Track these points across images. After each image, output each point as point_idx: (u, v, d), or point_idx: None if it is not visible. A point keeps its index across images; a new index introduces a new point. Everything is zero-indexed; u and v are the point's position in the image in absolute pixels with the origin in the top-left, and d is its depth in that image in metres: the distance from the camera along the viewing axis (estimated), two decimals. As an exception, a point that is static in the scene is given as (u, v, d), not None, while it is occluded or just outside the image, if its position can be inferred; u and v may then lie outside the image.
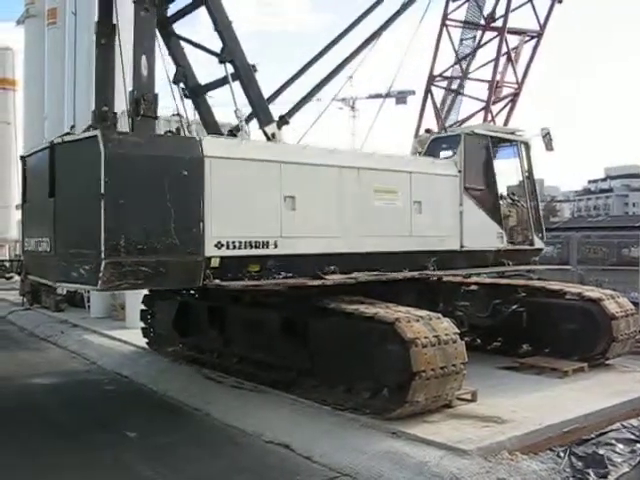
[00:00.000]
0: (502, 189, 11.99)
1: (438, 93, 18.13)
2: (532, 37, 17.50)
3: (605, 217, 62.64)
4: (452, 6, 17.65)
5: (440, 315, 8.25)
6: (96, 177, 7.22)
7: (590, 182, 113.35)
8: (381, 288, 9.50)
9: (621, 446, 7.26)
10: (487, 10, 17.55)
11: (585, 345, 10.49)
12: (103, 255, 7.17)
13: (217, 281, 8.02)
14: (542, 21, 17.28)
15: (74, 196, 7.81)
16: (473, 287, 11.52)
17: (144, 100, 8.22)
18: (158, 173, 7.59)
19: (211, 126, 10.37)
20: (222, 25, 9.58)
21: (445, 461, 6.55)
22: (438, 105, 17.89)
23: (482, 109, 17.25)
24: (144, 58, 8.34)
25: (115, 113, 9.57)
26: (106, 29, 9.71)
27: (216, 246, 7.96)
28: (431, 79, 17.92)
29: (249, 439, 7.80)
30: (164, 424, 8.46)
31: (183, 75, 10.30)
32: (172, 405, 9.41)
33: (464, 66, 17.90)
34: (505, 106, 17.70)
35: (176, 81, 10.24)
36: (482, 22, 17.64)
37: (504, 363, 10.66)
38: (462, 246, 10.67)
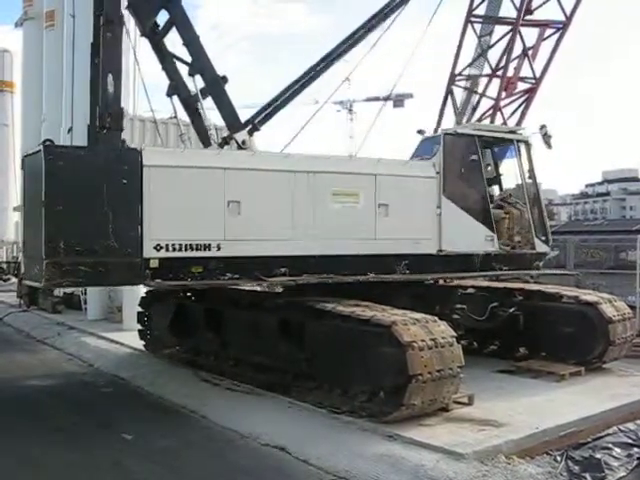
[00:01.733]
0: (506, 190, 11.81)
1: (457, 93, 17.45)
2: (558, 29, 16.39)
3: (602, 221, 62.74)
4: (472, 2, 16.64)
5: (437, 318, 8.25)
6: (40, 187, 8.09)
7: (587, 186, 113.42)
8: (377, 291, 9.54)
9: (618, 450, 7.26)
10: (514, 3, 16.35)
11: (582, 349, 10.49)
12: (44, 256, 7.98)
13: (158, 281, 8.54)
14: (569, 10, 16.02)
15: (32, 204, 8.69)
16: (470, 290, 11.51)
17: (109, 115, 9.07)
18: (97, 182, 8.22)
19: (202, 134, 10.87)
20: (190, 41, 10.34)
21: (441, 464, 6.55)
22: (458, 105, 17.15)
23: (491, 108, 16.51)
24: (110, 76, 9.16)
25: (121, 111, 9.59)
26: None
27: (155, 248, 8.42)
28: (452, 78, 17.12)
29: (245, 442, 7.79)
30: (161, 426, 8.45)
31: (175, 88, 10.85)
32: (169, 407, 9.40)
33: (483, 63, 17.10)
34: (521, 104, 16.80)
35: (169, 94, 10.95)
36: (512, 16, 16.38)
37: (501, 366, 10.67)
38: (440, 250, 10.34)
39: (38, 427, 8.52)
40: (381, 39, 11.70)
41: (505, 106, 16.82)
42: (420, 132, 11.40)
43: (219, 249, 8.79)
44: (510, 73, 16.49)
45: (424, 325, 7.89)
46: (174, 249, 8.55)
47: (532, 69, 16.56)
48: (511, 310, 11.00)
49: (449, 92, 17.08)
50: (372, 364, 7.95)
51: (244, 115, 10.86)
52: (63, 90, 19.19)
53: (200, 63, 10.34)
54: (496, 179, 11.82)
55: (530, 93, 16.64)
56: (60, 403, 9.97)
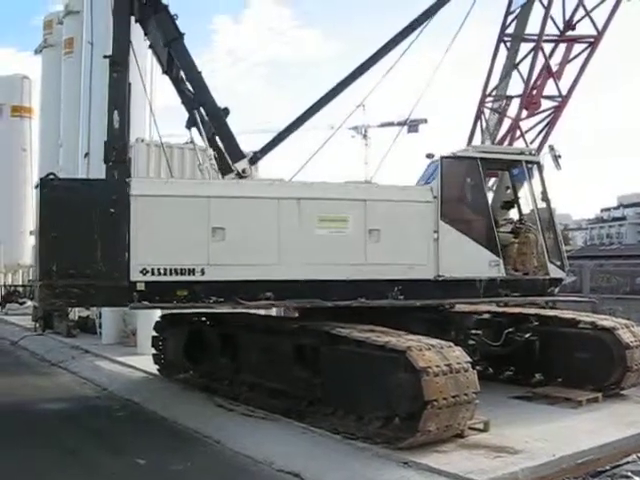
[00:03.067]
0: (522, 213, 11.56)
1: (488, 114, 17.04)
2: (589, 44, 15.76)
3: (618, 246, 62.39)
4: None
5: (452, 344, 8.20)
6: (38, 215, 9.22)
7: (603, 210, 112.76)
8: (392, 316, 9.52)
9: (637, 479, 7.17)
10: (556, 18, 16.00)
11: (599, 375, 10.37)
12: (38, 278, 9.06)
13: (145, 303, 9.17)
14: (600, 24, 15.35)
15: (36, 231, 9.76)
16: (485, 316, 11.43)
17: (114, 149, 9.95)
18: (88, 211, 9.06)
19: (231, 148, 11.03)
20: (191, 77, 11.06)
21: (457, 492, 6.48)
22: (491, 126, 16.69)
23: (511, 128, 16.01)
24: (116, 113, 10.07)
25: (125, 145, 10.37)
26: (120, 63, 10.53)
27: (141, 272, 9.03)
28: (483, 99, 16.79)
29: (259, 467, 7.73)
30: (174, 451, 8.41)
31: (194, 122, 11.23)
32: (182, 432, 9.36)
33: (508, 83, 16.63)
34: (546, 124, 16.22)
35: (188, 126, 11.31)
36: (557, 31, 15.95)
37: (517, 393, 10.56)
38: (439, 275, 10.19)
39: (49, 451, 8.51)
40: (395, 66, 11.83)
41: (532, 127, 16.33)
42: (429, 156, 11.26)
43: (203, 273, 9.23)
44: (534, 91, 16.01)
45: (439, 351, 7.85)
46: (159, 273, 9.11)
47: (557, 87, 16.01)
48: (527, 336, 10.90)
49: (479, 114, 16.71)
50: (387, 390, 7.90)
51: (258, 140, 11.13)
52: (80, 116, 19.46)
53: (201, 97, 11.03)
54: (513, 202, 11.65)
55: (555, 112, 16.07)
56: (73, 426, 9.97)
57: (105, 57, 10.57)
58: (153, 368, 12.85)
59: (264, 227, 9.61)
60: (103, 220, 9.03)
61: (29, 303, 26.15)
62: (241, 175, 10.68)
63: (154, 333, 12.82)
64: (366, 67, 11.72)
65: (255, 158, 11.14)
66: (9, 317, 25.80)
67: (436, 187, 10.31)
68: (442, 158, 10.61)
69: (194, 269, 9.21)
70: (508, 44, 16.35)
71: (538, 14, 16.23)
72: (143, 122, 12.69)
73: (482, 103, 16.73)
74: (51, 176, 9.68)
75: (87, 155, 18.33)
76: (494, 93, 16.81)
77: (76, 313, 19.75)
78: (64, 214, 9.07)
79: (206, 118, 11.20)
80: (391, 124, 69.54)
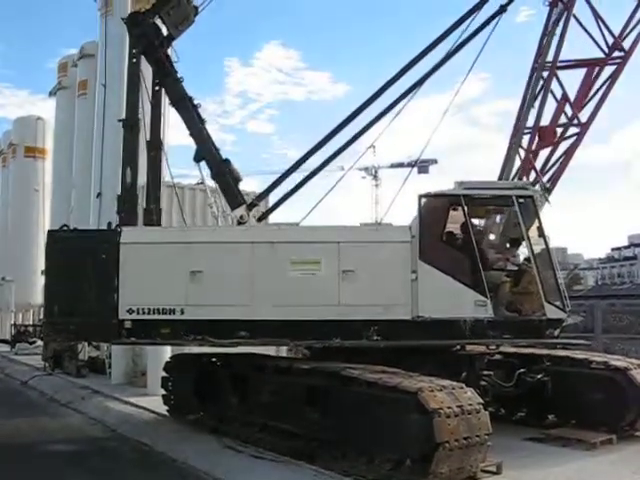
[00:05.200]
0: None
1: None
2: (616, 64, 14.71)
3: (630, 285, 61.97)
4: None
5: (463, 385, 8.16)
6: (45, 262, 10.97)
7: (613, 250, 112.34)
8: (403, 357, 9.51)
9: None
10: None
11: (613, 416, 10.25)
12: (43, 316, 10.63)
13: (132, 339, 10.48)
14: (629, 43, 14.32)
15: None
16: (497, 356, 11.33)
17: (126, 201, 11.33)
18: (83, 257, 10.41)
19: (229, 196, 11.68)
20: (194, 131, 11.83)
21: (470, 537, 6.38)
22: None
23: (523, 162, 14.97)
24: (129, 169, 11.40)
25: (135, 197, 11.64)
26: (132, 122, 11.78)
27: (128, 311, 10.15)
28: (515, 133, 15.71)
29: (269, 511, 7.66)
30: (183, 494, 8.35)
31: (202, 156, 11.98)
32: (192, 474, 9.27)
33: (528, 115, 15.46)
34: (562, 155, 15.19)
35: (197, 160, 11.98)
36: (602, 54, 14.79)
37: (529, 434, 10.44)
38: (418, 316, 10.00)
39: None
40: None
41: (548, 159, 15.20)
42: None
43: (182, 313, 10.11)
44: (546, 121, 15.11)
45: (451, 392, 7.80)
46: (144, 312, 10.15)
47: (575, 114, 15.02)
48: (539, 376, 10.79)
49: (510, 147, 15.70)
50: (398, 431, 7.84)
51: (267, 180, 11.49)
52: (93, 156, 19.72)
53: (204, 150, 11.78)
54: (519, 240, 11.10)
55: (573, 142, 15.09)
56: (83, 468, 9.88)
57: (119, 121, 11.84)
58: (163, 409, 12.77)
59: (239, 270, 10.24)
60: (97, 265, 10.35)
61: (39, 343, 26.26)
62: (239, 221, 11.33)
63: (164, 374, 12.77)
64: (363, 108, 11.94)
65: (252, 205, 11.63)
66: (19, 357, 25.86)
67: (415, 226, 10.23)
68: (420, 197, 10.45)
69: (174, 309, 10.11)
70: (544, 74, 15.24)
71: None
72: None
73: (514, 136, 15.72)
74: (64, 227, 11.44)
75: (99, 195, 18.56)
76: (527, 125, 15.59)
77: (86, 353, 19.77)
78: (65, 261, 10.54)
79: None
80: (401, 165, 70.31)
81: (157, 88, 12.21)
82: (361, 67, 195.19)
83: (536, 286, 10.22)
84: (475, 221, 11.02)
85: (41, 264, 28.82)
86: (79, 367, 18.96)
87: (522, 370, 10.81)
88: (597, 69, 15.09)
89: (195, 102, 12.40)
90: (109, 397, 15.34)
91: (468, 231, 10.36)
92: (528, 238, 10.47)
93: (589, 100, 15.06)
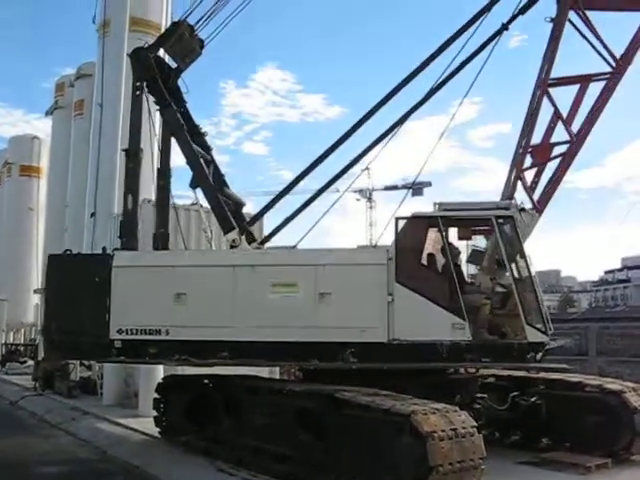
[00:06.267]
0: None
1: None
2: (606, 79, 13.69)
3: (624, 307, 62.05)
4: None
5: (457, 408, 8.11)
6: (45, 284, 12.07)
7: (607, 272, 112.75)
8: (396, 380, 9.46)
9: None
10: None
11: (608, 439, 10.17)
12: (41, 335, 11.63)
13: (122, 357, 11.01)
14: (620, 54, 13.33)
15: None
16: (490, 379, 11.29)
17: (128, 227, 11.87)
18: (80, 280, 11.16)
19: (222, 221, 11.92)
20: (191, 162, 12.07)
21: None
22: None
23: (515, 179, 13.90)
24: (130, 196, 11.98)
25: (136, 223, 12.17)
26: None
27: (118, 332, 10.70)
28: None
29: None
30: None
31: (197, 184, 12.23)
32: (183, 497, 9.19)
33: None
34: (555, 173, 14.08)
35: (193, 187, 12.27)
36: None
37: (524, 458, 10.33)
38: (394, 338, 9.95)
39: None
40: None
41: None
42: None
43: (167, 333, 10.55)
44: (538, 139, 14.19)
45: (444, 415, 7.75)
46: (132, 332, 10.67)
47: (568, 131, 14.18)
48: (533, 399, 10.75)
49: (511, 169, 14.56)
50: (392, 454, 7.79)
51: (262, 201, 11.59)
52: (88, 176, 19.72)
53: (198, 178, 12.07)
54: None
55: (566, 158, 14.15)
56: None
57: (122, 150, 12.55)
58: (154, 430, 12.65)
59: (221, 292, 10.58)
60: (91, 287, 10.98)
61: (30, 362, 26.12)
62: (232, 245, 11.56)
63: (156, 395, 12.68)
64: (354, 129, 12.05)
65: (243, 228, 11.90)
66: (9, 376, 25.68)
67: (392, 248, 10.23)
68: (397, 219, 10.43)
69: (160, 329, 10.56)
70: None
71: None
72: (151, 183, 13.04)
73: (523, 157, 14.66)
74: (67, 251, 12.57)
75: (93, 215, 18.53)
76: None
77: (77, 373, 19.63)
78: (63, 283, 11.34)
79: None
80: (395, 187, 70.48)
81: None
82: (356, 90, 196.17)
83: (516, 308, 9.99)
84: (461, 243, 10.95)
85: (34, 283, 28.84)
86: (70, 387, 18.80)
87: (516, 393, 10.79)
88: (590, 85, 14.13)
89: (202, 130, 13.03)
90: (100, 418, 15.20)
91: (445, 253, 10.32)
92: (507, 259, 10.22)
93: (588, 116, 14.61)
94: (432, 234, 10.57)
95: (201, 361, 10.67)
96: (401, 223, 10.38)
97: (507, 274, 10.43)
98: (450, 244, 10.48)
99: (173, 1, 20.86)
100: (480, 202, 10.97)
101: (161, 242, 12.12)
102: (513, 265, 10.30)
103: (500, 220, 10.24)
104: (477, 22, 11.87)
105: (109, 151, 18.21)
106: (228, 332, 10.41)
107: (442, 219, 10.31)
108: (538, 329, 9.93)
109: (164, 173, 12.55)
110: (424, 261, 10.56)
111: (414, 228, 10.47)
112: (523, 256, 10.32)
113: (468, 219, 10.71)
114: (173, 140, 12.34)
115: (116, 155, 17.83)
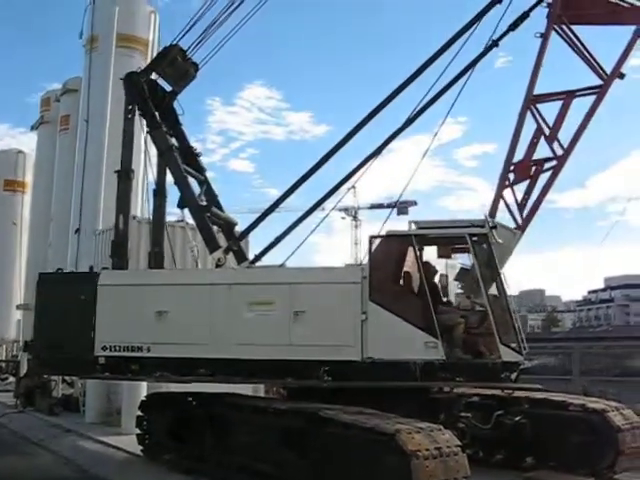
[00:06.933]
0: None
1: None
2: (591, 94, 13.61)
3: (607, 327, 62.48)
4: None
5: (441, 427, 8.11)
6: (35, 302, 12.17)
7: (590, 292, 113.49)
8: (380, 399, 9.47)
9: None
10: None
11: (591, 458, 10.19)
12: (23, 351, 11.93)
13: (106, 374, 11.42)
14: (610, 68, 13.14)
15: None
16: (474, 398, 11.28)
17: (119, 246, 12.25)
18: (67, 298, 11.46)
19: (208, 240, 12.12)
20: (178, 182, 12.34)
21: None
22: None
23: (497, 198, 13.99)
24: (121, 216, 12.38)
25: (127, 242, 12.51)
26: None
27: (102, 348, 10.96)
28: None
29: None
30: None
31: (184, 204, 12.59)
32: (165, 517, 9.10)
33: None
34: (543, 189, 14.02)
35: (180, 207, 12.64)
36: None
37: (508, 477, 10.35)
38: (367, 357, 9.93)
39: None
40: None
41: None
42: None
43: (149, 350, 10.75)
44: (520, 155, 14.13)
45: (429, 434, 7.75)
46: (116, 349, 10.91)
47: (551, 148, 14.05)
48: (517, 418, 10.75)
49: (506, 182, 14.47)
50: (376, 473, 7.76)
51: (248, 219, 11.74)
52: (73, 192, 19.63)
53: (185, 198, 12.33)
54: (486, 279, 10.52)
55: (551, 175, 14.06)
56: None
57: (115, 172, 12.80)
58: (137, 448, 12.53)
59: (200, 310, 10.77)
60: (78, 305, 11.24)
61: (11, 379, 25.80)
62: (217, 264, 11.75)
63: (139, 413, 12.57)
64: (339, 147, 12.18)
65: (228, 248, 12.13)
66: (-10, 394, 25.32)
67: (367, 267, 10.24)
68: (370, 237, 10.50)
69: (142, 346, 10.77)
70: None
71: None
72: (135, 198, 13.14)
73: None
74: (59, 270, 13.20)
75: (78, 231, 18.45)
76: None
77: (59, 391, 19.41)
78: (52, 300, 11.60)
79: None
80: (381, 206, 70.85)
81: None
82: (342, 108, 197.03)
83: (491, 327, 9.88)
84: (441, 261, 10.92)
85: (16, 299, 28.52)
86: (52, 405, 18.56)
87: (500, 412, 10.77)
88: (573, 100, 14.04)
89: (196, 151, 13.39)
90: (82, 436, 15.04)
91: (419, 271, 10.24)
92: (482, 277, 10.08)
93: (576, 133, 14.23)
94: (411, 252, 10.51)
95: (180, 378, 10.93)
96: (376, 242, 10.45)
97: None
98: (427, 262, 10.49)
99: (160, 17, 20.94)
100: (455, 220, 10.99)
101: (156, 261, 12.39)
102: (489, 283, 10.22)
103: (474, 238, 10.16)
104: (466, 35, 11.90)
105: (94, 167, 18.17)
106: (206, 349, 10.59)
107: (416, 237, 10.30)
108: (513, 349, 9.82)
109: (160, 193, 12.88)
110: (400, 279, 10.56)
111: (388, 246, 10.52)
112: (498, 274, 10.21)
113: (442, 237, 10.69)
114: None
115: (102, 171, 17.83)
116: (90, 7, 20.26)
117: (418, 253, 10.29)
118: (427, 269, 10.41)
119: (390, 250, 10.54)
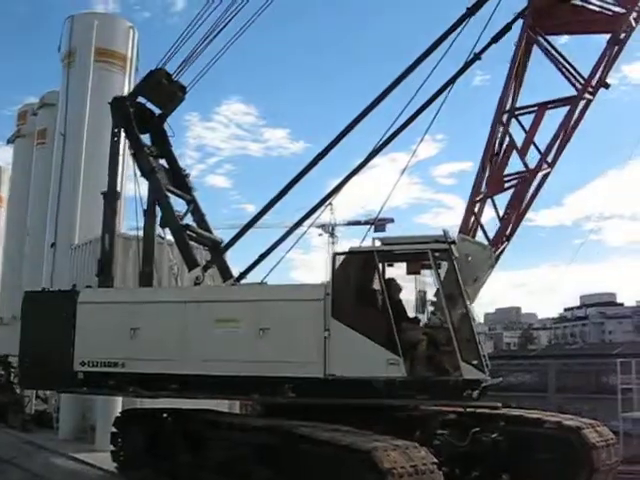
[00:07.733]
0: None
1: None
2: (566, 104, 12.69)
3: (582, 344, 62.94)
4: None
5: (417, 444, 8.10)
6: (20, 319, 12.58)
7: (566, 310, 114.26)
8: (357, 416, 9.43)
9: None
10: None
11: (566, 475, 10.20)
12: (17, 365, 13.03)
13: (84, 389, 11.82)
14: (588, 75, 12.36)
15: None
16: (451, 415, 11.27)
17: (104, 264, 12.69)
18: (50, 315, 11.99)
19: (187, 258, 12.34)
20: (159, 200, 12.72)
21: None
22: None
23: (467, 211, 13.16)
24: (107, 236, 12.86)
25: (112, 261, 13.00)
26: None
27: (81, 364, 11.40)
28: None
29: None
30: None
31: (165, 224, 12.84)
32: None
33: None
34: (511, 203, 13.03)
35: (162, 226, 12.84)
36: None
37: (484, 495, 10.36)
38: (330, 374, 9.87)
39: None
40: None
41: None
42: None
43: (123, 366, 11.10)
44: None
45: (404, 451, 7.75)
46: (93, 365, 11.33)
47: (523, 161, 13.21)
48: (493, 436, 10.74)
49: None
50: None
51: (226, 235, 12.22)
52: (49, 206, 19.46)
53: (165, 218, 12.66)
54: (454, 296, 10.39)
55: (520, 189, 13.12)
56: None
57: (102, 193, 13.14)
58: (112, 465, 12.36)
59: (170, 327, 11.01)
60: (60, 322, 11.70)
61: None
62: (196, 282, 11.92)
63: (113, 429, 12.42)
64: (314, 164, 12.42)
65: (206, 266, 12.35)
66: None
67: (329, 284, 10.26)
68: (334, 254, 10.60)
69: (117, 362, 11.13)
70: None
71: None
72: (119, 214, 13.26)
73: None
74: (43, 289, 14.04)
75: (53, 245, 18.28)
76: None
77: (32, 407, 19.12)
78: (36, 317, 12.14)
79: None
80: (358, 223, 70.79)
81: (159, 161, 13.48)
82: (320, 126, 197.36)
83: (452, 345, 9.76)
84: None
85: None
86: (24, 421, 18.27)
87: (476, 429, 10.75)
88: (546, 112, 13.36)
89: (185, 172, 13.78)
90: (55, 453, 14.81)
91: (382, 288, 10.17)
92: (444, 293, 10.01)
93: (562, 145, 13.39)
94: (367, 269, 10.52)
95: (150, 393, 11.22)
96: (340, 258, 10.48)
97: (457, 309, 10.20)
98: (391, 279, 10.46)
99: (140, 33, 20.92)
100: (419, 236, 10.78)
101: (145, 280, 12.60)
102: (454, 299, 10.13)
103: (436, 254, 10.08)
104: (444, 50, 11.96)
105: (71, 181, 18.06)
106: (176, 365, 10.79)
107: (379, 253, 10.26)
108: (474, 366, 9.75)
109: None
110: (363, 296, 10.48)
111: (351, 263, 10.52)
112: (460, 290, 10.09)
113: (405, 253, 10.60)
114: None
115: (78, 185, 17.73)
116: (68, 21, 20.19)
117: (381, 270, 10.27)
118: (391, 286, 10.35)
119: (353, 267, 10.53)
